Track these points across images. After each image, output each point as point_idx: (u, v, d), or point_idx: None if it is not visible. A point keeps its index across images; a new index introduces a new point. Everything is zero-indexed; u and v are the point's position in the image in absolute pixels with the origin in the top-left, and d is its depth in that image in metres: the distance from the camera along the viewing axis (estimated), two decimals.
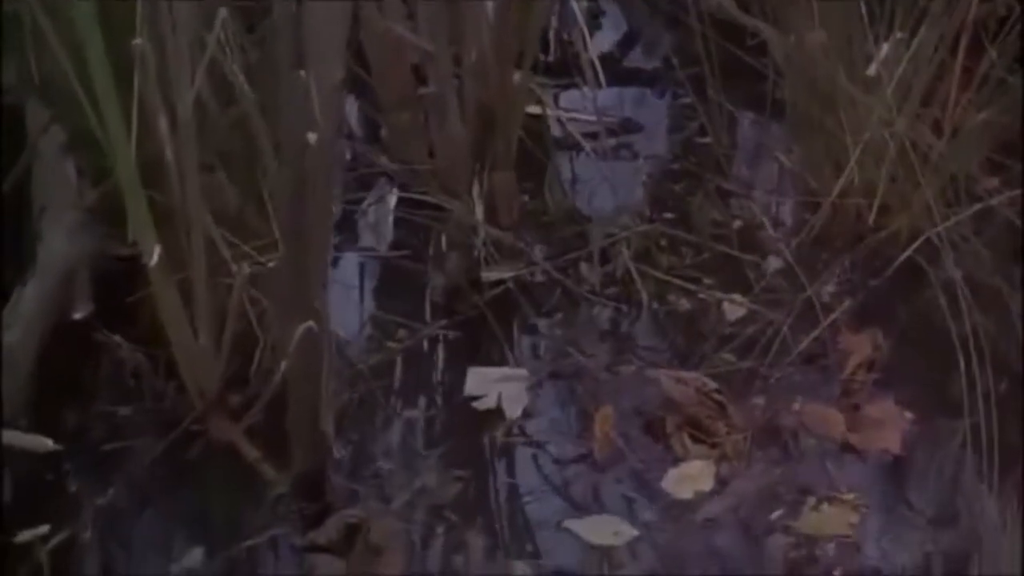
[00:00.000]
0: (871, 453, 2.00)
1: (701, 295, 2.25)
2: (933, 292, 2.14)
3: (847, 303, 2.21)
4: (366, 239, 2.38)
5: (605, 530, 1.90)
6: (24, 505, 1.91)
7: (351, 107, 2.53)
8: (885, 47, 2.24)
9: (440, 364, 2.18)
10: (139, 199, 1.84)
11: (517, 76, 2.30)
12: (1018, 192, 2.27)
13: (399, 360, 2.16)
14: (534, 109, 2.47)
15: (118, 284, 2.05)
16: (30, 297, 1.99)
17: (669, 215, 2.39)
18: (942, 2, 2.20)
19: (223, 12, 1.81)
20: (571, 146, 2.52)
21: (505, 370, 2.13)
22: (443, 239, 2.31)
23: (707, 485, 1.96)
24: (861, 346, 2.13)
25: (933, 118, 2.28)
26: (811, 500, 1.93)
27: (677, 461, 2.00)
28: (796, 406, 2.05)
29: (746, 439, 2.01)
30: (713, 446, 2.01)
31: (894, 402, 2.06)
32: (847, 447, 2.01)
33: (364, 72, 2.35)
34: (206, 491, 1.96)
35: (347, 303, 2.24)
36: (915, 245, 2.18)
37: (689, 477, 1.97)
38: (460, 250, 2.28)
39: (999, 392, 1.96)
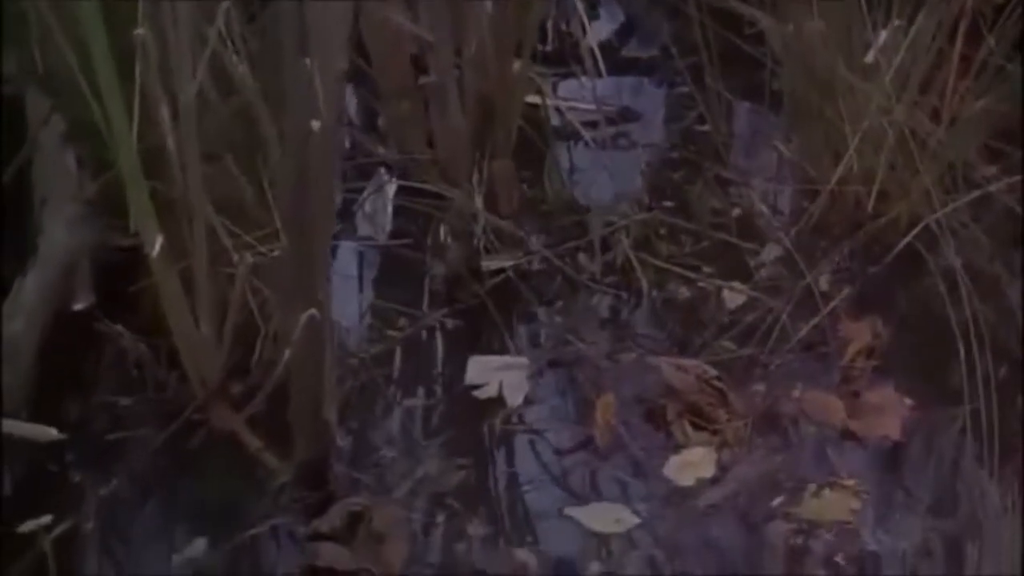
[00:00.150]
0: (871, 440, 2.01)
1: (701, 283, 2.26)
2: (932, 279, 2.14)
3: (846, 290, 2.21)
4: (365, 228, 2.39)
5: (607, 517, 1.91)
6: (27, 495, 1.91)
7: (349, 96, 2.53)
8: (883, 35, 2.25)
9: (441, 353, 2.18)
10: (141, 189, 1.84)
11: (516, 65, 2.30)
12: (1016, 179, 2.27)
13: (400, 349, 2.16)
14: (533, 99, 2.47)
15: (120, 274, 2.05)
16: (31, 288, 2.00)
17: (668, 203, 2.39)
18: None
19: (226, 2, 1.81)
20: (570, 135, 2.53)
21: (506, 358, 2.14)
22: (443, 228, 2.31)
23: (708, 472, 1.97)
24: (861, 333, 2.14)
25: (931, 106, 2.28)
26: (812, 486, 1.94)
27: (678, 448, 2.00)
28: (796, 393, 2.06)
29: (747, 426, 2.01)
30: (714, 433, 2.01)
31: (894, 389, 2.07)
32: (847, 434, 2.02)
33: (363, 61, 2.35)
34: (208, 480, 1.96)
35: (347, 292, 2.24)
36: (914, 232, 2.18)
37: (690, 464, 1.98)
38: (460, 239, 2.28)
39: (998, 378, 1.96)
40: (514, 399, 2.07)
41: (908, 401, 2.05)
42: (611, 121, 2.56)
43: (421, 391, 2.11)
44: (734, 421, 2.02)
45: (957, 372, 1.97)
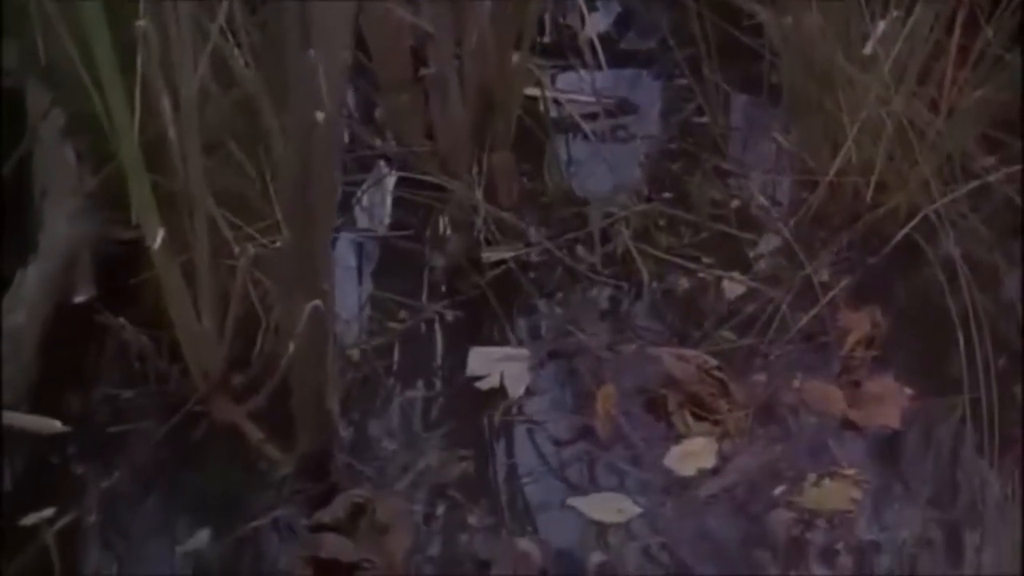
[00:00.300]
0: (871, 429, 2.02)
1: (701, 274, 2.26)
2: (931, 269, 2.14)
3: (846, 281, 2.21)
4: (365, 220, 2.39)
5: (608, 507, 1.91)
6: (29, 488, 1.91)
7: (348, 88, 2.53)
8: (881, 25, 2.25)
9: (441, 344, 2.18)
10: (142, 181, 1.84)
11: (516, 57, 2.30)
12: (1015, 169, 2.28)
13: (401, 341, 2.16)
14: (532, 91, 2.47)
15: (121, 267, 2.05)
16: (32, 281, 1.99)
17: (667, 195, 2.40)
18: None
19: None
20: (569, 127, 2.53)
21: (507, 350, 2.14)
22: (443, 219, 2.31)
23: (709, 462, 1.97)
24: (860, 323, 2.14)
25: (930, 96, 2.28)
26: (812, 476, 1.94)
27: (679, 438, 2.00)
28: (796, 383, 2.06)
29: (747, 416, 2.02)
30: (715, 423, 2.01)
31: (893, 378, 2.07)
32: (847, 423, 2.02)
33: (363, 54, 2.35)
34: (210, 473, 1.96)
35: (348, 284, 2.24)
36: (913, 223, 2.19)
37: (691, 454, 1.98)
38: (460, 230, 2.28)
39: (998, 368, 1.97)
40: (515, 390, 2.07)
41: (908, 391, 2.05)
42: (610, 113, 2.56)
43: (422, 383, 2.11)
44: (735, 411, 2.02)
45: (957, 362, 1.97)
